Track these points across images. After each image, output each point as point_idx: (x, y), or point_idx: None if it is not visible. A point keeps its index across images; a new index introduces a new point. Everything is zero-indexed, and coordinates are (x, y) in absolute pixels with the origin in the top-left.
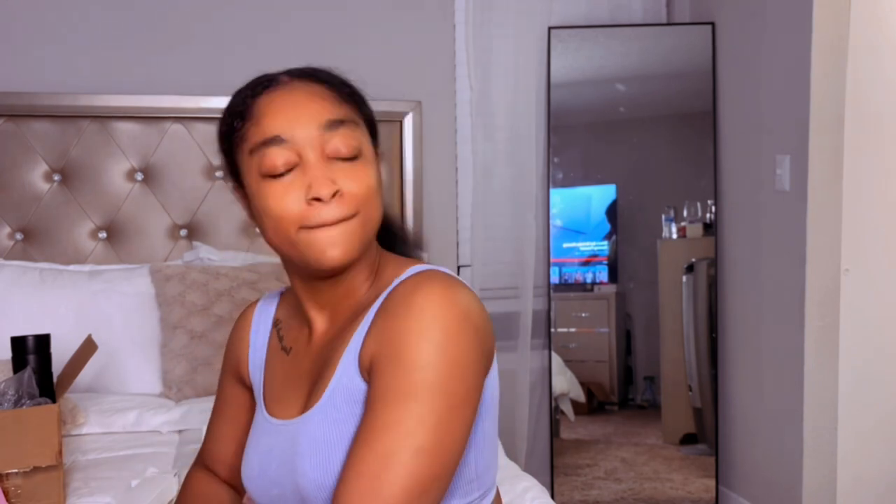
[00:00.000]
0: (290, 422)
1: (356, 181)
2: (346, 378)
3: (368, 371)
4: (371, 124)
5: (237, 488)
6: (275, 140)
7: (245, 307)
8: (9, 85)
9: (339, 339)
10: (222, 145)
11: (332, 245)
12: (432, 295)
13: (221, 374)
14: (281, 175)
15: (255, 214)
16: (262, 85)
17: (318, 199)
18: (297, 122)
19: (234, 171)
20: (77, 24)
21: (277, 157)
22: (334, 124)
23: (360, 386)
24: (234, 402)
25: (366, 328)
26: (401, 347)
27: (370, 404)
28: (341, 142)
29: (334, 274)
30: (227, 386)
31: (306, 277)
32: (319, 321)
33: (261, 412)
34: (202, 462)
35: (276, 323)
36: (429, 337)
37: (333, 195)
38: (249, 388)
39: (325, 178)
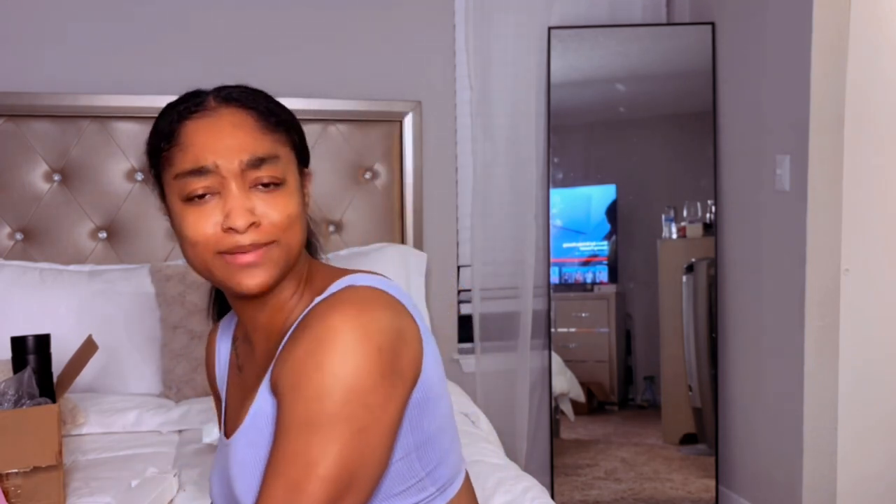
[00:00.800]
0: (226, 442)
1: (276, 209)
2: (262, 400)
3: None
4: (300, 148)
5: None
6: (199, 171)
7: (210, 330)
8: (9, 85)
9: (268, 359)
10: (149, 161)
11: (249, 275)
12: (334, 320)
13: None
14: (202, 197)
15: (176, 235)
16: (190, 109)
17: (233, 229)
18: (221, 155)
19: (160, 187)
20: (77, 24)
21: (198, 184)
22: (256, 162)
23: (274, 407)
24: None
25: (280, 349)
26: (299, 377)
27: (276, 434)
28: (264, 174)
29: (256, 297)
30: (217, 408)
31: (233, 297)
32: (257, 337)
33: (221, 431)
34: None
35: (234, 340)
36: (325, 366)
37: (249, 226)
38: None
39: (242, 208)
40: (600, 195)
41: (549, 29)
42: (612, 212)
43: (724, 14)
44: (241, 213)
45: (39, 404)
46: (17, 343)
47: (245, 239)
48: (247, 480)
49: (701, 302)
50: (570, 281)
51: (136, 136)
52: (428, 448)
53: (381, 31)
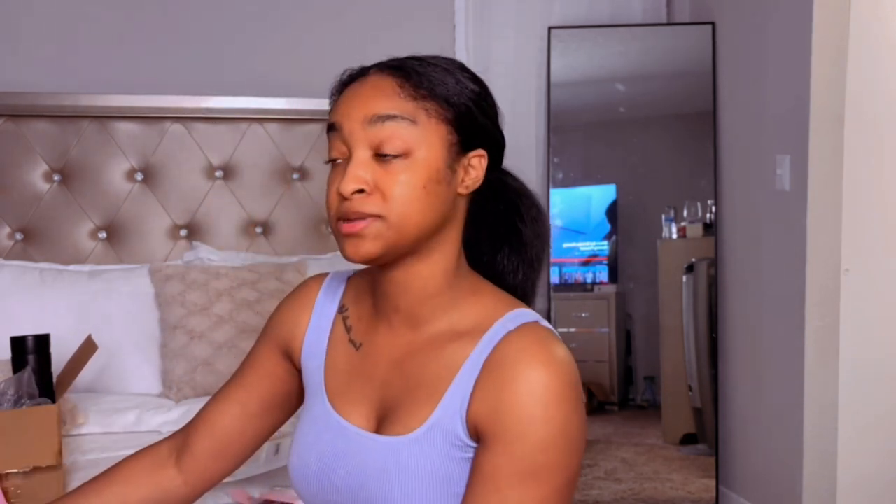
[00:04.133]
0: (372, 436)
1: (389, 181)
2: (447, 419)
3: (475, 432)
4: (465, 128)
5: (203, 480)
6: (332, 128)
7: (308, 279)
8: (9, 85)
9: (434, 362)
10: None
11: (351, 244)
12: (545, 367)
13: (259, 342)
14: (335, 161)
15: None
16: (352, 76)
17: (342, 194)
18: (348, 114)
19: None
20: (77, 24)
21: (332, 145)
22: (379, 119)
23: (462, 436)
24: (265, 370)
25: (472, 378)
26: (519, 426)
27: (491, 479)
28: (385, 138)
29: (368, 264)
30: (263, 352)
31: (373, 269)
32: (397, 322)
33: (322, 406)
34: (177, 436)
35: (341, 309)
36: (547, 417)
37: (356, 192)
38: (296, 369)
39: (353, 173)
40: (600, 195)
41: (549, 29)
42: (612, 212)
43: (724, 14)
44: (350, 178)
45: (39, 404)
46: (17, 343)
47: (352, 206)
48: (410, 489)
49: (701, 302)
50: (570, 281)
51: (136, 136)
52: None
53: (381, 32)
